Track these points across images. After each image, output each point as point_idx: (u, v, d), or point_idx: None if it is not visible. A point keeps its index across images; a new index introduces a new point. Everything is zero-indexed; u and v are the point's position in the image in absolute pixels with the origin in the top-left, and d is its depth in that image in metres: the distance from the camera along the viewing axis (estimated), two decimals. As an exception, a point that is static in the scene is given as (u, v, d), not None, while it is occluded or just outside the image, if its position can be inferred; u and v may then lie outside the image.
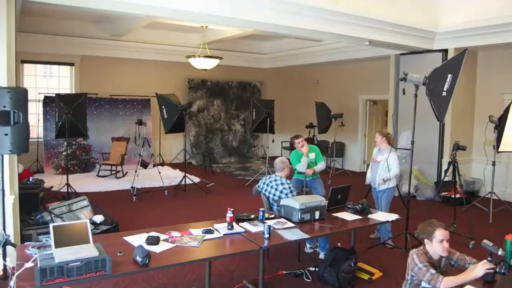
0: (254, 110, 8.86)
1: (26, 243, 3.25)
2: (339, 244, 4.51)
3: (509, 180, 7.43)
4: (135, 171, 7.43)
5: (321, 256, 4.47)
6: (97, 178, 8.68)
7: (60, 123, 6.64)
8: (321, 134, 9.94)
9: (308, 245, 4.70)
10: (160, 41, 10.07)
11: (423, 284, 2.66)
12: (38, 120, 9.24)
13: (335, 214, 3.95)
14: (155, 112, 10.03)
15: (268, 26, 5.71)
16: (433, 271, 2.58)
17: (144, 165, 7.75)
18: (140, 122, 8.11)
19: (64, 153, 9.00)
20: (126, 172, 8.98)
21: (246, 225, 3.52)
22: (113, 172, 8.92)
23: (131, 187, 7.33)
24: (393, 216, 4.06)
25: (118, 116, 9.98)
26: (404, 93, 4.54)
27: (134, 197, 7.05)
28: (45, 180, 6.52)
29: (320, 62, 10.44)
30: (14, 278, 2.33)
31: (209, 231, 3.30)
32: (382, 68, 9.08)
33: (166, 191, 7.44)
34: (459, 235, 5.16)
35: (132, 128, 9.03)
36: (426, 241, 2.73)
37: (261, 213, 3.66)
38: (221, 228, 3.39)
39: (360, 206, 4.05)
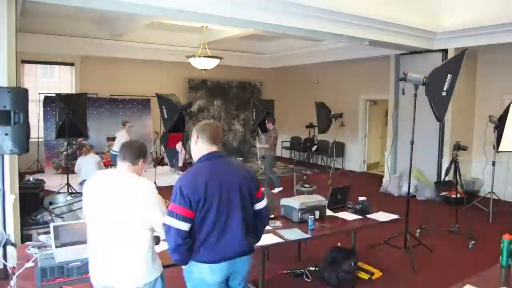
0: (254, 110, 8.87)
1: (26, 243, 3.25)
2: (339, 244, 4.52)
3: (509, 180, 7.42)
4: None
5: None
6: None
7: (60, 123, 6.65)
8: (321, 134, 9.95)
9: None
10: (160, 41, 10.07)
11: None
12: (39, 120, 9.23)
13: (335, 214, 3.96)
14: (155, 112, 10.03)
15: (268, 26, 5.71)
16: None
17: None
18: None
19: (64, 153, 9.01)
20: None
21: (246, 225, 3.51)
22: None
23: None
24: (393, 216, 4.06)
25: (118, 116, 9.97)
26: (403, 93, 4.55)
27: None
28: (45, 180, 6.52)
29: (320, 62, 10.45)
30: (14, 278, 2.33)
31: (209, 231, 3.28)
32: (382, 68, 9.08)
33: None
34: (459, 235, 5.16)
35: (132, 128, 9.02)
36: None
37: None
38: (221, 228, 3.38)
39: (360, 206, 4.05)
